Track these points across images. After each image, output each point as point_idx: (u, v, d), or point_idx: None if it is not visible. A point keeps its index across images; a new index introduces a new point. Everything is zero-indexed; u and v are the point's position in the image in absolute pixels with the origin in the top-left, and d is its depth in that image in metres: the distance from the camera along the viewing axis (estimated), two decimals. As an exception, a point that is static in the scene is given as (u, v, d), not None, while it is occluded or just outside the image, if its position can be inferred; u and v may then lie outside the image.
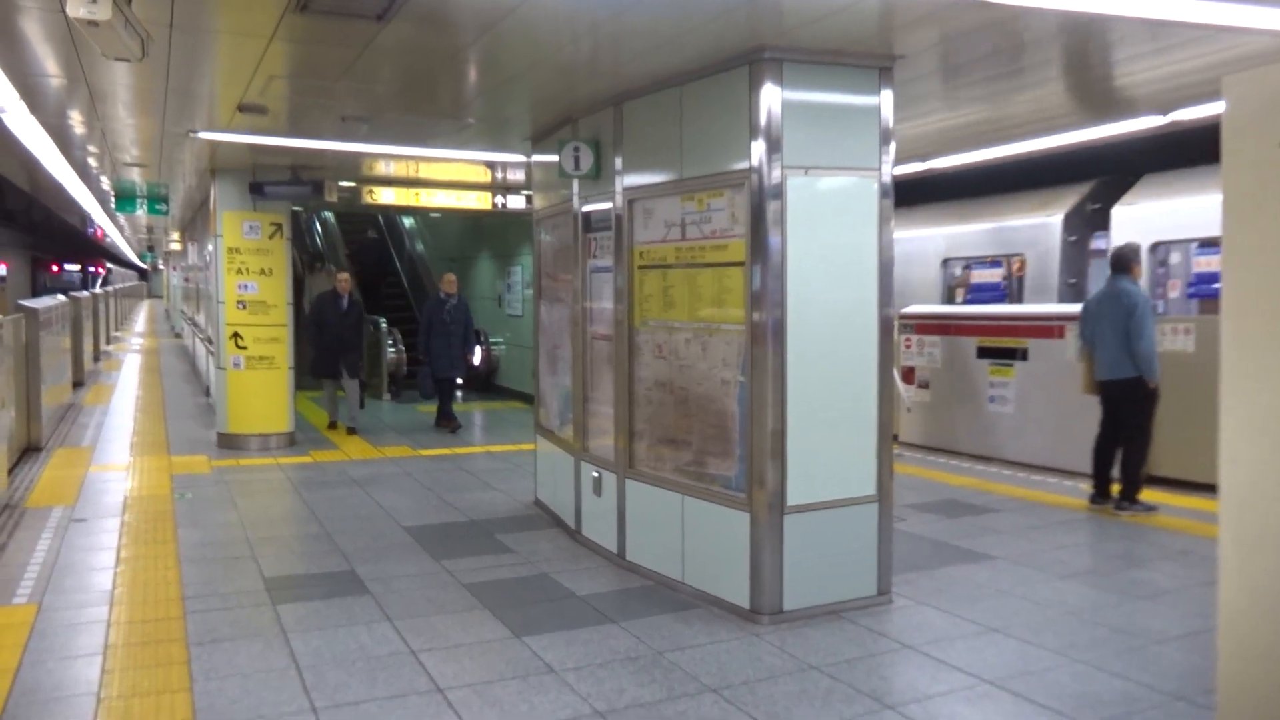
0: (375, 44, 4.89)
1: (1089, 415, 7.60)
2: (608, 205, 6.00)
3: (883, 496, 5.05)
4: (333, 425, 11.22)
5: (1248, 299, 2.84)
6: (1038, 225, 10.19)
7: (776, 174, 4.78)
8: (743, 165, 4.87)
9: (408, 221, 19.39)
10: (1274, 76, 2.67)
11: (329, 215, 19.36)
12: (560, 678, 4.12)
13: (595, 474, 6.17)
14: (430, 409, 12.89)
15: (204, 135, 7.66)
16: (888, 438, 5.07)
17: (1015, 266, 10.67)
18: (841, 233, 4.96)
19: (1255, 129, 2.69)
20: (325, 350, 10.98)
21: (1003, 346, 9.07)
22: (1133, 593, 5.14)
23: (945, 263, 11.31)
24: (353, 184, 11.20)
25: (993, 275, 10.95)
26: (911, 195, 11.55)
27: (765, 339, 4.80)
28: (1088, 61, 5.51)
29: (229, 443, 10.10)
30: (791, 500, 4.84)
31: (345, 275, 11.39)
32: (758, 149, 4.79)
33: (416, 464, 9.30)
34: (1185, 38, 5.07)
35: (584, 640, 4.58)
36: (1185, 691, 3.88)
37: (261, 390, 10.12)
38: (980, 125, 7.41)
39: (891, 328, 5.10)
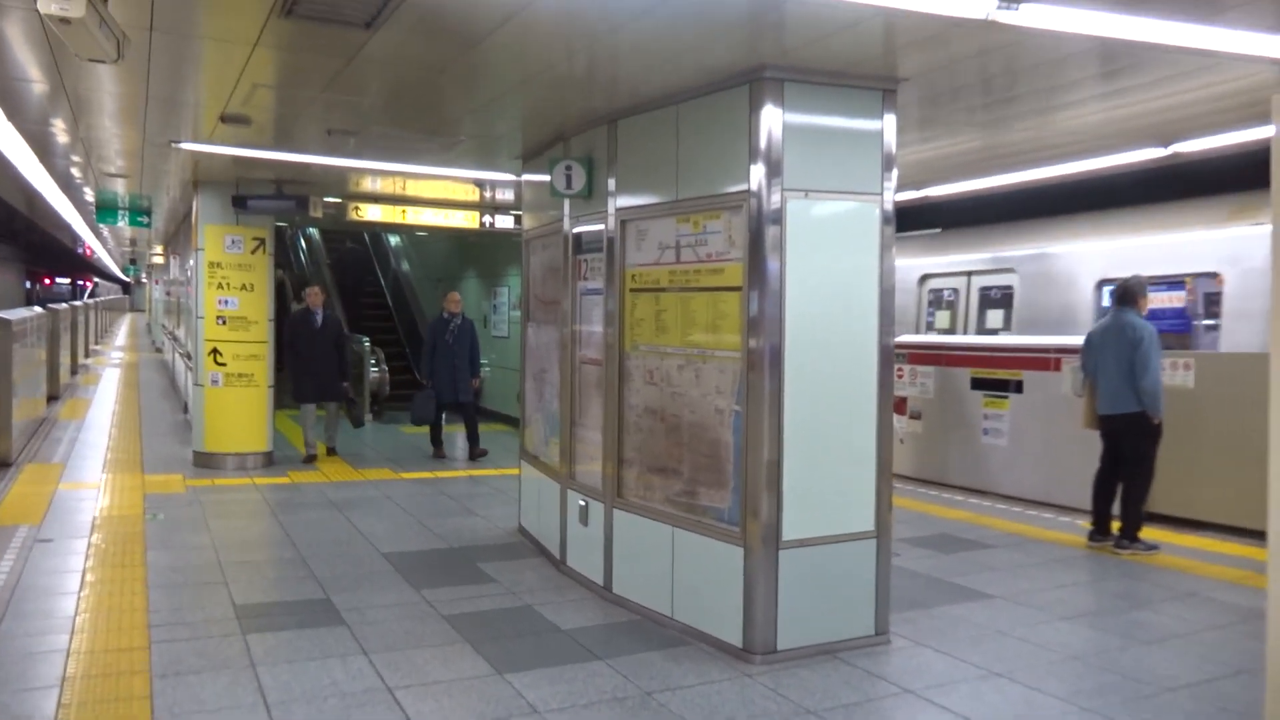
0: (363, 53, 4.72)
1: (1084, 450, 7.46)
2: (599, 226, 5.84)
3: (881, 532, 4.87)
4: (309, 460, 10.29)
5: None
6: (1243, 237, 8.10)
7: (776, 197, 4.62)
8: (741, 187, 4.71)
9: (393, 240, 19.22)
10: None
11: (314, 232, 19.16)
12: (544, 719, 3.92)
13: (582, 502, 5.97)
14: (416, 429, 12.68)
15: (186, 146, 7.47)
16: (887, 471, 4.90)
17: (1196, 289, 8.56)
18: (842, 259, 4.81)
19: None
20: (301, 373, 10.33)
21: (997, 378, 8.93)
22: (1138, 636, 4.97)
23: (1102, 285, 9.10)
24: (338, 200, 11.02)
25: (1171, 299, 8.72)
26: (1045, 206, 10.16)
27: (762, 366, 4.63)
28: (1095, 89, 5.40)
29: (205, 461, 9.84)
30: (787, 535, 4.65)
31: (315, 289, 10.67)
32: (757, 171, 4.64)
33: (397, 487, 9.07)
34: (1194, 66, 4.98)
35: (569, 678, 4.36)
36: (1200, 745, 3.71)
37: (240, 408, 9.87)
38: (1001, 149, 7.30)
39: (892, 357, 4.94)
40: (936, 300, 11.31)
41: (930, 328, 11.21)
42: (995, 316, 10.56)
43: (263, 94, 5.75)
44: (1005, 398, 8.82)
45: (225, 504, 8.17)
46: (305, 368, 10.35)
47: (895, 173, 4.93)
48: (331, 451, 10.70)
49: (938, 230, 11.66)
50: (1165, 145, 7.03)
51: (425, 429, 11.37)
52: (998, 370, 8.92)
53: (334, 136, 6.98)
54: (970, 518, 7.91)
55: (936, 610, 5.39)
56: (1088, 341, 6.98)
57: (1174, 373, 7.44)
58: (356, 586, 5.77)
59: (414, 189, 10.42)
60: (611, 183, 5.71)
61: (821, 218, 4.75)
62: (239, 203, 9.55)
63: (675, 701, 4.11)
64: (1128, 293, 6.76)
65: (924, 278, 11.32)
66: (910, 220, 11.22)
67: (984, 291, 10.75)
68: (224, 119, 6.41)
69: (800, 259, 4.67)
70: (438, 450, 11.07)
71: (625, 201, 5.60)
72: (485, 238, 13.54)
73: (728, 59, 4.59)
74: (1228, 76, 5.18)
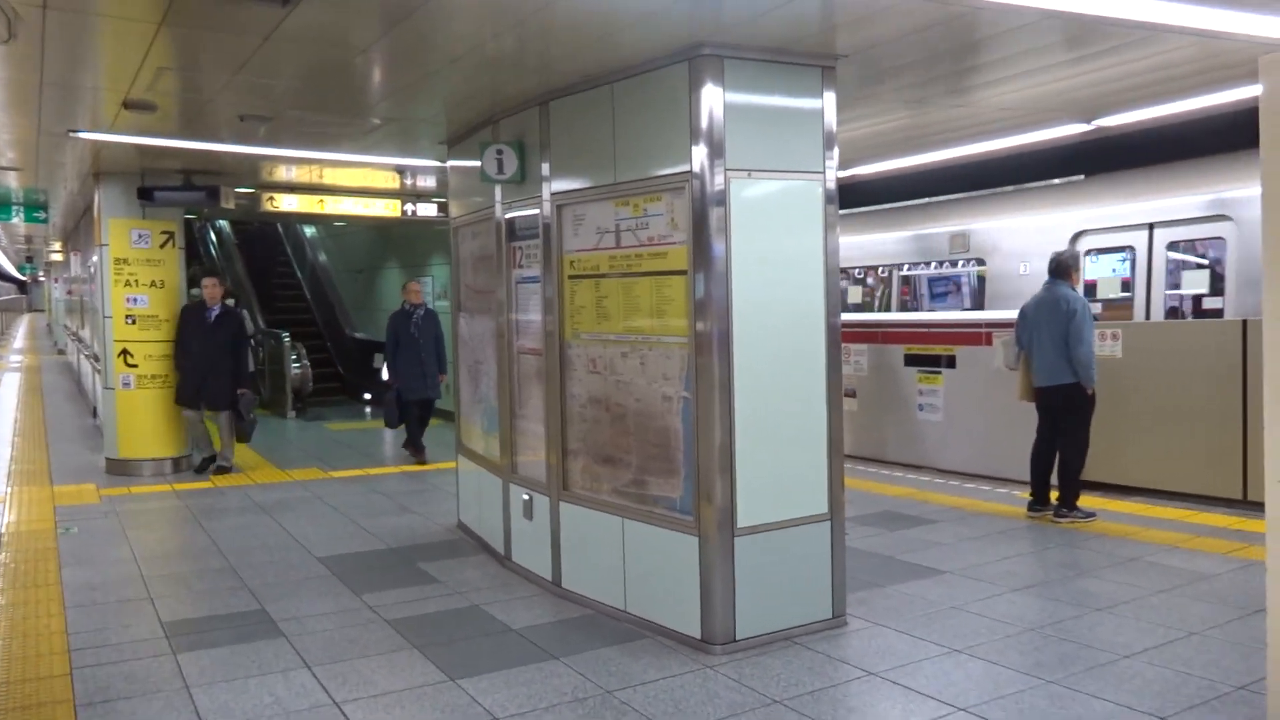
0: (280, 32, 4.44)
1: (1018, 422, 7.55)
2: (534, 211, 5.65)
3: (835, 514, 4.81)
4: (200, 468, 9.37)
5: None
6: None
7: (720, 178, 4.50)
8: (683, 168, 4.58)
9: (309, 230, 18.65)
10: None
11: (224, 224, 18.48)
12: (503, 727, 3.75)
13: (526, 496, 5.80)
14: (343, 425, 12.37)
15: (86, 135, 7.03)
16: (838, 452, 4.84)
17: None
18: (787, 239, 4.72)
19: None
20: (187, 375, 9.20)
21: (930, 354, 8.99)
22: (1089, 604, 5.01)
23: None
24: (252, 190, 10.57)
25: None
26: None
27: (711, 350, 4.51)
28: (1026, 64, 5.40)
29: (119, 469, 9.37)
30: (742, 521, 4.55)
31: (212, 280, 9.44)
32: (699, 151, 4.50)
33: (327, 486, 8.76)
34: (1119, 41, 5.01)
35: (525, 680, 4.21)
36: (1165, 710, 3.72)
37: (154, 411, 9.40)
38: (930, 128, 7.31)
39: (839, 337, 4.87)
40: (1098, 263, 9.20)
41: (1091, 297, 8.88)
42: (1196, 279, 8.31)
43: (169, 78, 5.41)
44: (939, 373, 8.89)
45: (144, 513, 7.78)
46: (190, 369, 9.20)
47: (836, 151, 4.85)
48: (223, 470, 9.37)
49: (1080, 177, 9.60)
50: (1089, 121, 7.13)
51: (358, 425, 10.97)
52: (930, 346, 8.99)
53: (247, 122, 6.64)
54: (911, 493, 7.96)
55: (890, 589, 5.37)
56: (1022, 315, 7.05)
57: (1103, 343, 7.56)
58: (293, 595, 5.51)
59: (331, 177, 10.05)
60: (545, 167, 5.52)
61: (765, 198, 4.65)
62: (145, 194, 9.07)
63: (638, 699, 3.99)
64: (1061, 265, 6.84)
65: (1078, 236, 9.16)
66: (1046, 166, 9.43)
67: (1174, 248, 8.48)
68: (127, 105, 6.03)
69: (745, 240, 4.56)
70: (418, 454, 10.06)
71: (560, 185, 5.42)
72: (407, 227, 13.19)
73: (665, 36, 4.44)
74: (1152, 51, 5.23)
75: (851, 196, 11.06)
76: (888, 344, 9.42)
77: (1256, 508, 6.68)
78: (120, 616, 5.16)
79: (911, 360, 9.16)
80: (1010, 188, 10.24)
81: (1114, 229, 8.85)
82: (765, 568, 4.62)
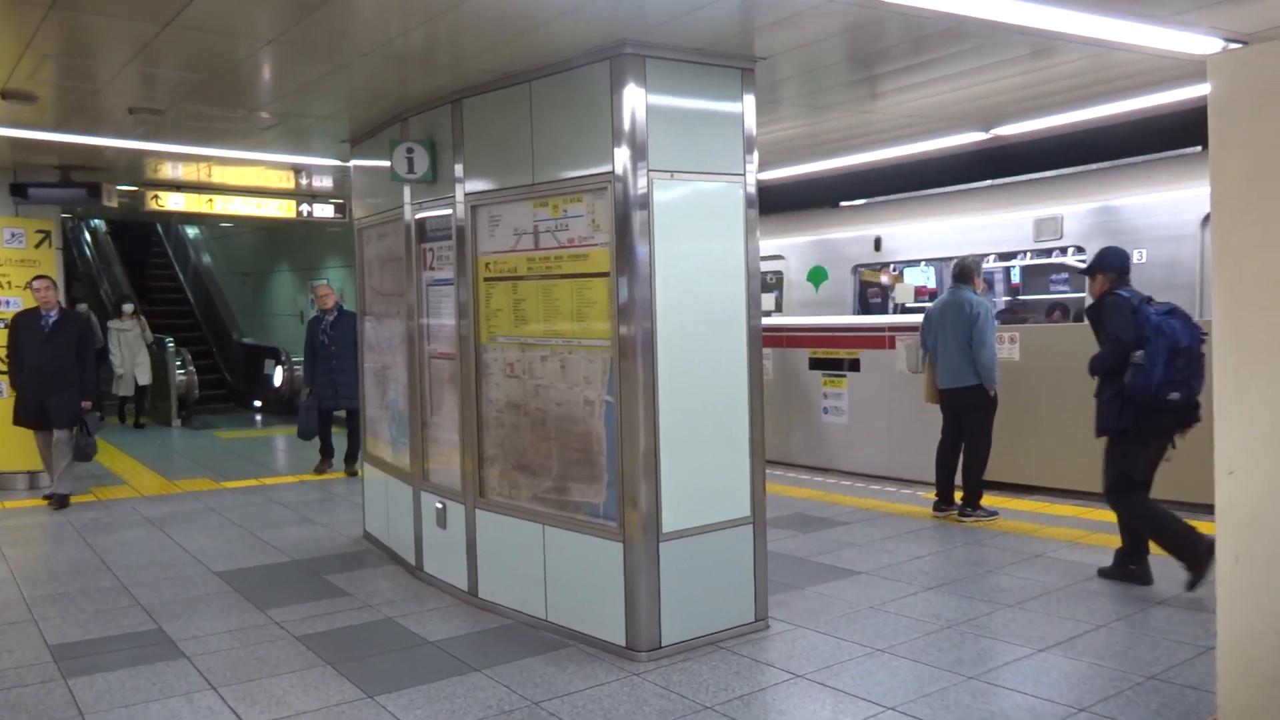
0: (182, 19, 4.19)
1: (921, 424, 7.74)
2: (447, 212, 5.51)
3: (757, 517, 4.82)
4: (54, 499, 8.12)
5: (1247, 297, 2.69)
6: None
7: (642, 180, 4.45)
8: (604, 169, 4.52)
9: (192, 231, 17.91)
10: (1272, 52, 2.53)
11: (99, 223, 17.59)
12: (428, 744, 3.62)
13: (439, 505, 5.64)
14: (233, 434, 11.88)
15: (-46, 128, 6.56)
16: (760, 455, 4.86)
17: None
18: (709, 241, 4.71)
19: (1252, 110, 2.55)
20: (26, 392, 8.09)
21: (834, 357, 9.14)
22: (1001, 600, 5.14)
23: None
24: (135, 188, 10.05)
25: None
26: None
27: (635, 353, 4.46)
28: (933, 72, 5.53)
29: (-10, 483, 8.78)
30: (667, 526, 4.51)
31: (45, 282, 8.16)
32: (621, 152, 4.45)
33: (220, 498, 8.38)
34: (1020, 52, 5.18)
35: (448, 695, 4.08)
36: (1084, 701, 3.83)
37: (29, 421, 8.83)
38: (829, 135, 7.41)
39: (760, 340, 4.89)
40: None
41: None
42: None
43: (54, 66, 5.08)
44: (843, 376, 9.05)
45: (22, 529, 7.29)
46: (25, 387, 8.09)
47: (756, 154, 4.87)
48: (60, 502, 8.11)
49: (1196, 149, 8.15)
50: (987, 129, 7.36)
51: (250, 433, 10.54)
52: (835, 350, 9.14)
53: (136, 116, 6.29)
54: (820, 495, 8.06)
55: (808, 590, 5.41)
56: (927, 318, 7.22)
57: (1001, 346, 7.81)
58: (191, 613, 5.23)
59: (221, 175, 9.63)
60: (459, 166, 5.38)
61: (687, 200, 4.63)
62: (19, 191, 8.56)
63: (566, 709, 3.90)
64: (965, 270, 7.05)
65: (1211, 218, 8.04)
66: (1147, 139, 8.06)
67: None
68: (5, 95, 5.64)
69: (668, 242, 4.53)
70: (321, 462, 9.63)
71: (475, 186, 5.29)
72: (298, 227, 12.78)
73: (586, 34, 4.38)
74: (1050, 63, 5.42)
75: (889, 182, 10.07)
76: (793, 348, 9.54)
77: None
78: (2, 640, 4.80)
79: (816, 364, 9.31)
80: (1110, 164, 8.75)
81: None
82: (690, 572, 4.59)
